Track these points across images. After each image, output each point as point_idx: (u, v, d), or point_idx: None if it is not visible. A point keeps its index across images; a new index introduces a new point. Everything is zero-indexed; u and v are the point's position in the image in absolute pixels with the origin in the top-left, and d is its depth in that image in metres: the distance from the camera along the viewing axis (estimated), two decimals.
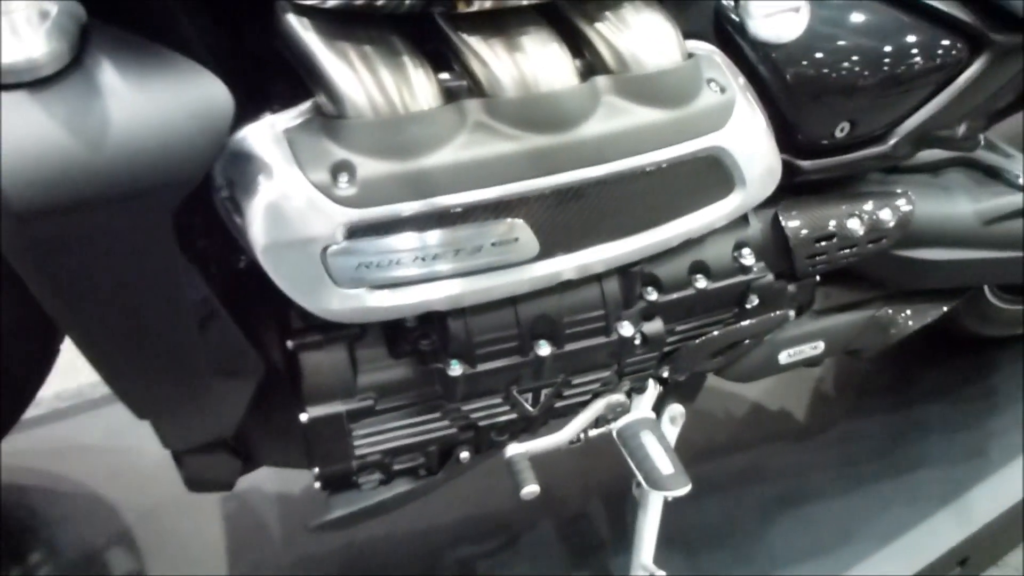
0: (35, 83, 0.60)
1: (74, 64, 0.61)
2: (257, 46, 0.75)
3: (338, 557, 1.21)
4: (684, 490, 0.96)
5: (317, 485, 0.94)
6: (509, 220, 0.76)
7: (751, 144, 0.87)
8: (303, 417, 0.85)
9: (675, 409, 1.13)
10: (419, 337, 0.87)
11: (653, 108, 0.79)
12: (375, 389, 0.88)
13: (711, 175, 0.87)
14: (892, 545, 1.22)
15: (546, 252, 0.80)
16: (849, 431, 1.45)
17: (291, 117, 0.72)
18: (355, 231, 0.71)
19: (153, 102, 0.62)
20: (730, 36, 0.92)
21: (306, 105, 0.72)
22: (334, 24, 0.71)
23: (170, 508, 1.28)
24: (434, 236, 0.74)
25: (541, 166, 0.75)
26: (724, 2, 0.92)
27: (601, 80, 0.78)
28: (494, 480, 1.19)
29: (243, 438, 0.93)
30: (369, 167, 0.70)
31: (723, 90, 0.85)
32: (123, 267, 0.66)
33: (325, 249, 0.71)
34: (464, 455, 0.97)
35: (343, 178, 0.70)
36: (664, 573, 1.03)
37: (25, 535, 1.25)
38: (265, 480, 1.31)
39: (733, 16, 0.91)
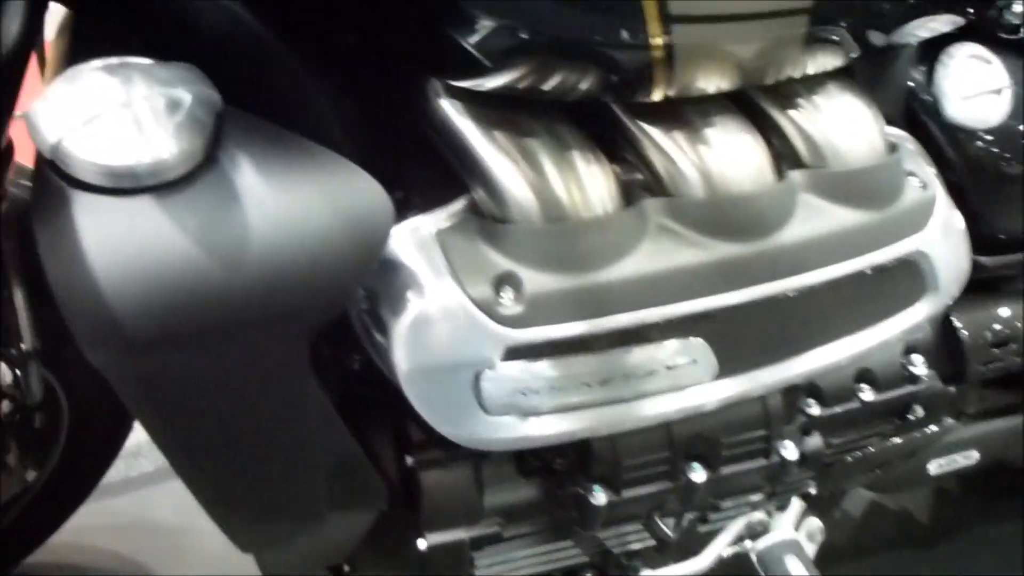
0: (162, 187, 0.50)
1: (207, 162, 0.51)
2: (396, 130, 0.65)
3: None
4: None
5: None
6: (689, 339, 0.65)
7: (950, 245, 0.76)
8: (421, 544, 0.73)
9: (813, 524, 1.01)
10: (552, 455, 0.76)
11: (855, 209, 0.68)
12: (502, 513, 0.77)
13: (903, 280, 0.76)
14: None
15: (724, 372, 0.68)
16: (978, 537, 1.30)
17: (442, 218, 0.61)
18: (515, 353, 0.60)
19: (299, 209, 0.51)
20: (919, 118, 0.80)
21: (460, 204, 0.61)
22: (494, 110, 0.61)
23: None
24: (604, 359, 0.63)
25: (734, 278, 0.64)
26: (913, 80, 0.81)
27: (798, 177, 0.67)
28: None
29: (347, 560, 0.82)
30: (537, 281, 0.59)
31: (924, 186, 0.73)
32: (246, 399, 0.55)
33: (478, 374, 0.60)
34: None
35: (507, 293, 0.59)
36: None
37: None
38: None
39: (925, 97, 0.80)
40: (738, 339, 0.68)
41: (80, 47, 0.61)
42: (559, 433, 0.65)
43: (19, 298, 0.66)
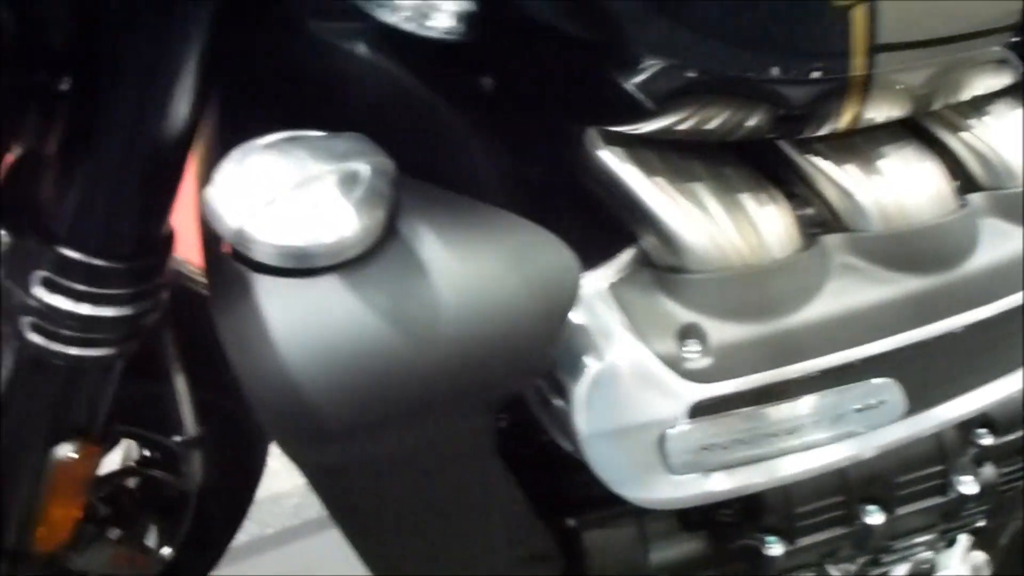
0: (347, 265, 0.48)
1: (389, 236, 0.49)
2: (551, 185, 0.63)
3: None
4: None
5: None
6: (877, 380, 0.61)
7: None
8: None
9: (979, 558, 0.95)
10: (717, 507, 0.73)
11: None
12: (668, 570, 0.73)
13: None
14: None
15: (913, 410, 0.64)
16: None
17: (612, 271, 0.58)
18: (701, 409, 0.57)
19: (488, 276, 0.49)
20: None
21: (628, 255, 0.59)
22: (655, 153, 0.58)
23: None
24: (792, 407, 0.59)
25: (925, 313, 0.60)
26: None
27: (979, 200, 0.63)
28: None
29: None
30: (723, 332, 0.56)
31: None
32: (434, 477, 0.53)
33: (663, 433, 0.57)
34: None
35: (693, 347, 0.56)
36: None
37: None
38: None
39: None
40: (927, 375, 0.64)
41: (227, 122, 0.60)
42: (744, 486, 0.62)
43: (180, 387, 0.66)
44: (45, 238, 0.53)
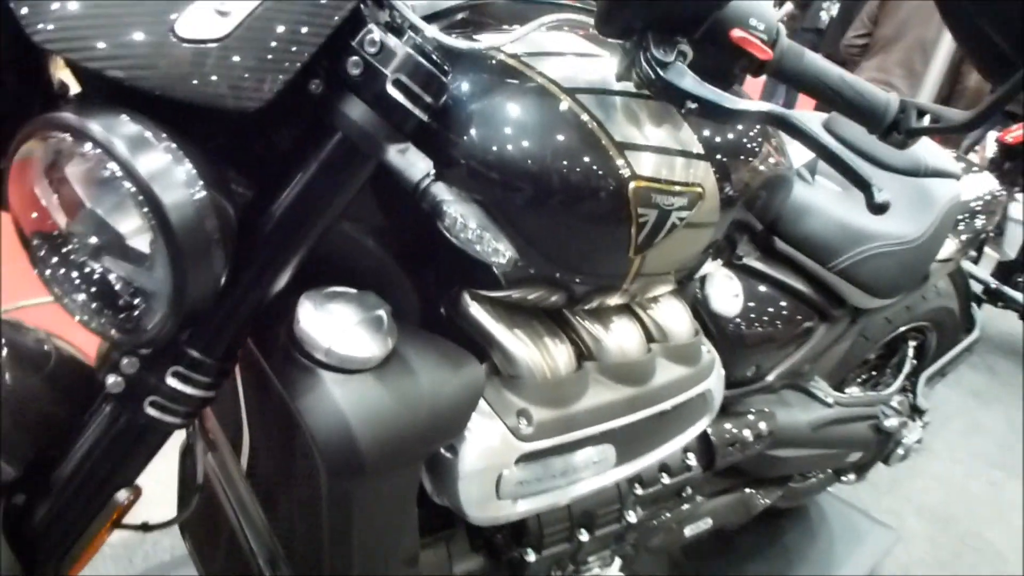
0: (376, 368, 0.82)
1: (393, 352, 0.84)
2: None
3: None
4: None
5: None
6: (604, 445, 1.07)
7: (718, 386, 1.27)
8: None
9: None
10: (493, 533, 1.13)
11: (684, 366, 1.16)
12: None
13: (697, 406, 1.25)
14: None
15: (618, 464, 1.11)
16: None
17: None
18: (522, 459, 0.98)
19: (443, 377, 0.86)
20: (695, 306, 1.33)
21: (485, 366, 0.99)
22: (502, 308, 0.99)
23: None
24: (565, 459, 1.03)
25: (630, 408, 1.08)
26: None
27: (656, 347, 1.14)
28: None
29: None
30: (540, 413, 0.98)
31: (709, 351, 1.24)
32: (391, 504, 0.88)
33: (500, 474, 0.97)
34: None
35: (523, 422, 0.97)
36: None
37: None
38: None
39: (699, 294, 1.33)
40: (626, 443, 1.11)
41: None
42: (534, 509, 1.03)
43: None
44: (185, 344, 0.75)
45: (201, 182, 0.61)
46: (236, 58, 0.61)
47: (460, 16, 0.88)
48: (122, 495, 0.80)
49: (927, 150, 1.62)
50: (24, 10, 0.58)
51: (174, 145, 0.61)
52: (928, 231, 1.51)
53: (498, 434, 0.94)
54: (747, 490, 1.67)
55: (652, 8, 0.71)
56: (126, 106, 0.61)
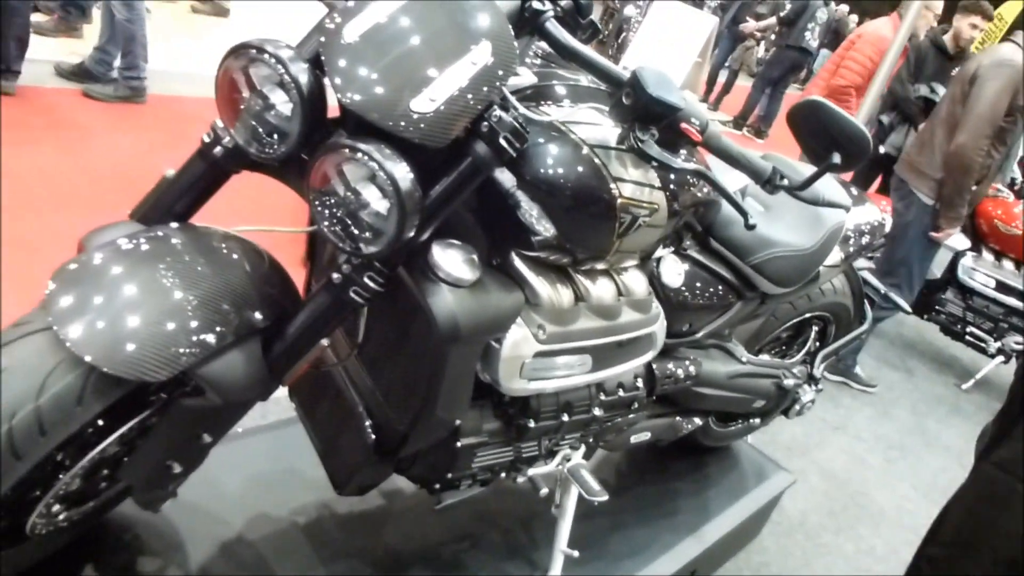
0: (465, 287, 1.45)
1: (479, 279, 1.47)
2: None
3: None
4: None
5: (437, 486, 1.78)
6: (586, 356, 1.72)
7: (662, 331, 1.93)
8: (458, 444, 1.70)
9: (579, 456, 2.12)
10: (509, 405, 1.78)
11: (639, 313, 1.82)
12: (487, 433, 1.76)
13: (645, 342, 1.90)
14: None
15: (594, 369, 1.76)
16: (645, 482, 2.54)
17: None
18: (537, 355, 1.63)
19: (502, 296, 1.50)
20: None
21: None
22: (532, 262, 1.63)
23: None
24: (565, 359, 1.67)
25: (604, 333, 1.71)
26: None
27: (623, 300, 1.78)
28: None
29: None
30: (550, 328, 1.61)
31: (657, 308, 1.90)
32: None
33: (524, 362, 1.61)
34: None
35: (540, 332, 1.61)
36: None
37: None
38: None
39: (655, 270, 1.98)
40: (598, 358, 1.76)
41: None
42: (539, 389, 1.66)
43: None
44: (375, 259, 1.39)
45: (411, 176, 1.25)
46: (440, 122, 1.25)
47: (530, 91, 1.52)
48: (324, 342, 1.44)
49: (826, 186, 2.28)
50: (337, 80, 1.23)
51: (399, 157, 1.25)
52: (817, 243, 2.18)
53: (525, 336, 1.58)
54: (677, 417, 2.34)
55: (637, 112, 1.37)
56: (371, 135, 1.25)
